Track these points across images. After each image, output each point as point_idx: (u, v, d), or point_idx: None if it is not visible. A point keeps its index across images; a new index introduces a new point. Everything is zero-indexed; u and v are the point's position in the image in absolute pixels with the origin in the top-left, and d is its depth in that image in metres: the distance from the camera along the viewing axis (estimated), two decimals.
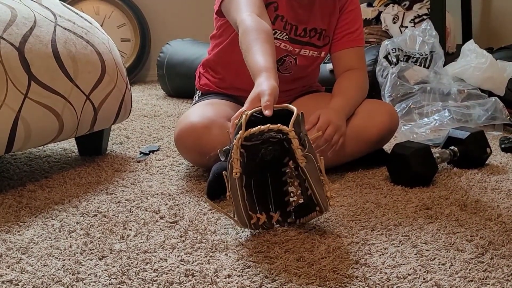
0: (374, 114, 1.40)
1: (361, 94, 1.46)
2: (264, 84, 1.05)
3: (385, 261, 0.94)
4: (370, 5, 2.85)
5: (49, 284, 0.87)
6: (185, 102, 2.47)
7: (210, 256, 0.96)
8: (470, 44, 2.13)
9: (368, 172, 1.41)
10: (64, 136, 1.37)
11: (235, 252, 0.98)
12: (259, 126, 0.98)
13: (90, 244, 1.01)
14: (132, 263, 0.94)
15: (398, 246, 1.00)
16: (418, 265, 0.93)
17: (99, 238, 1.04)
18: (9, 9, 1.28)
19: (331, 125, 1.28)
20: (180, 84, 2.55)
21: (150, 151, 1.62)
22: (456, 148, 1.45)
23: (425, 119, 1.87)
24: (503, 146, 1.66)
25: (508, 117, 1.86)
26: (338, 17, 1.48)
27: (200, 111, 1.32)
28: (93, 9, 2.95)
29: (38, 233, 1.06)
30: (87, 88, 1.39)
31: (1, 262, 0.94)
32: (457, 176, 1.40)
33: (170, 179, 1.38)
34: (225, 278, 0.89)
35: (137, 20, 3.01)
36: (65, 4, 1.53)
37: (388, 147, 1.51)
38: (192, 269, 0.91)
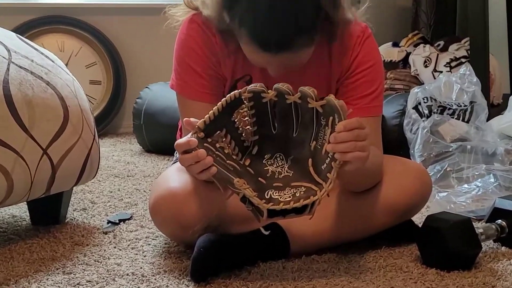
0: (401, 176, 1.40)
1: (378, 173, 1.38)
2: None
3: None
4: (396, 44, 2.90)
5: None
6: (166, 159, 2.47)
7: None
8: None
9: (394, 251, 1.40)
10: (14, 199, 1.36)
11: None
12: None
13: None
14: None
15: None
16: None
17: None
18: None
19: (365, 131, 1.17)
20: (161, 137, 2.55)
21: (120, 220, 1.62)
22: (504, 223, 1.44)
23: (465, 186, 1.87)
24: None
25: None
26: (345, 79, 1.38)
27: (182, 174, 1.31)
28: (57, 45, 3.01)
29: None
30: (44, 140, 1.40)
31: None
32: (506, 257, 1.38)
33: (144, 256, 1.37)
34: None
35: (110, 59, 3.06)
36: (22, 38, 1.56)
37: (419, 219, 1.50)
38: None
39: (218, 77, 1.37)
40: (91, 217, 1.66)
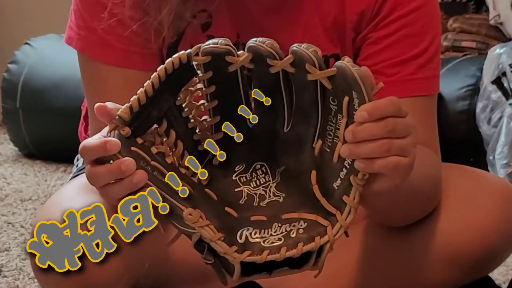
0: (472, 201, 1.41)
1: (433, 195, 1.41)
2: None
3: None
4: None
5: None
6: (60, 170, 2.48)
7: None
8: None
9: None
10: None
11: None
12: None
13: None
14: None
15: None
16: None
17: None
18: None
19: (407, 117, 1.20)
20: (52, 131, 2.56)
21: None
22: None
23: None
24: None
25: None
26: (371, 30, 1.41)
27: (89, 197, 1.30)
28: None
29: None
30: None
31: None
32: None
33: None
34: None
35: None
36: None
37: (502, 276, 1.52)
38: None
39: (151, 22, 1.37)
40: None
